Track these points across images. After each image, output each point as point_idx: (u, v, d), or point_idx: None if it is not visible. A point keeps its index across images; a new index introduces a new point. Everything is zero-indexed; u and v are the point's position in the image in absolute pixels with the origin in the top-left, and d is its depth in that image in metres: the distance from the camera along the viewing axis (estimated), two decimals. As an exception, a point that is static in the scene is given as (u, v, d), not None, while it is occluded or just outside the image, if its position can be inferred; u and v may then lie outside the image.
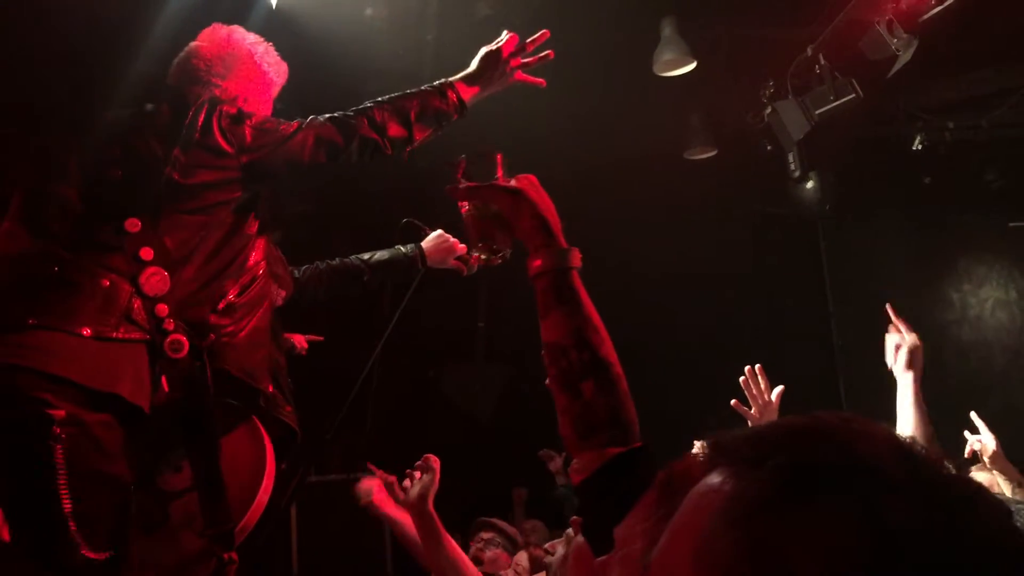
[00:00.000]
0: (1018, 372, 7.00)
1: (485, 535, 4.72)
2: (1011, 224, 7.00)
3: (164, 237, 2.69)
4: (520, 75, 3.17)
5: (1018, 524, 0.78)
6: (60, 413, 2.45)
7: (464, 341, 7.89)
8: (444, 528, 3.13)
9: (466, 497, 6.73)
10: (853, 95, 5.19)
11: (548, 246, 1.65)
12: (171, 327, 2.65)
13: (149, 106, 2.85)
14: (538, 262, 1.64)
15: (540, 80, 3.21)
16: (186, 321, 2.69)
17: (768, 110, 5.70)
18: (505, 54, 3.10)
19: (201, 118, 2.76)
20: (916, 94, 6.18)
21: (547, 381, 1.62)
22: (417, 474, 3.21)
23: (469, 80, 3.10)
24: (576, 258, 1.65)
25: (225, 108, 2.82)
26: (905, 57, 4.73)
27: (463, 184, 1.77)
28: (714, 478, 0.85)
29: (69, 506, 2.42)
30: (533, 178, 1.73)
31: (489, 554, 4.57)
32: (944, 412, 3.25)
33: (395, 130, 2.96)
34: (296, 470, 4.33)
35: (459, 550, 3.13)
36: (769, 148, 5.93)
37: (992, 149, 6.50)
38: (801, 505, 0.78)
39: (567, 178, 6.39)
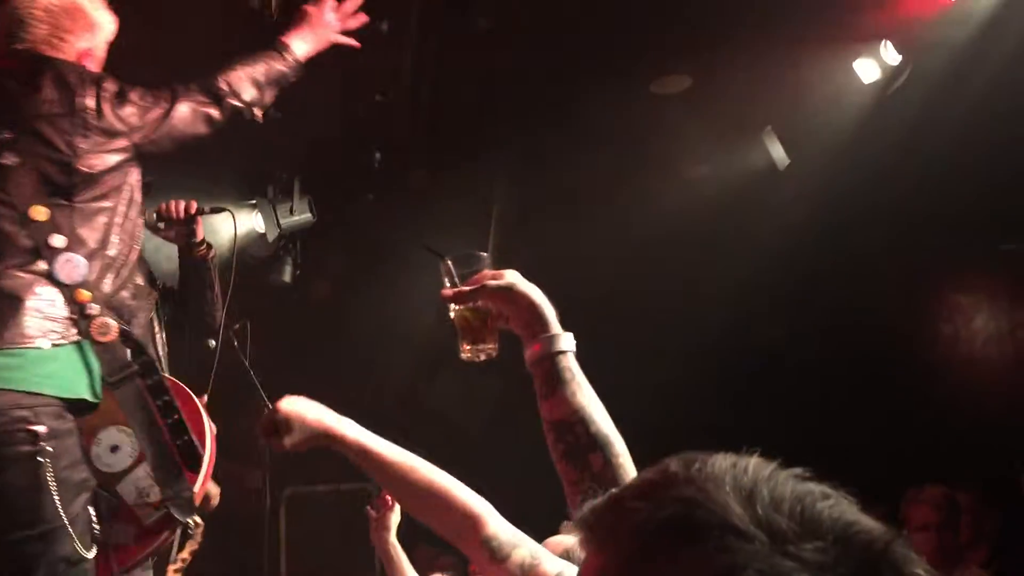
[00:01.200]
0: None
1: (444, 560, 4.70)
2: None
3: (75, 224, 2.68)
4: (337, 37, 3.32)
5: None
6: (43, 429, 2.48)
7: (456, 352, 7.89)
8: (407, 562, 3.30)
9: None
10: None
11: (544, 333, 1.74)
12: (94, 311, 2.64)
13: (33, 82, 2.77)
14: (536, 348, 1.75)
15: (354, 42, 3.38)
16: (110, 305, 2.70)
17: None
18: (323, 11, 3.23)
19: (90, 98, 2.75)
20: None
21: (555, 461, 1.72)
22: (371, 512, 3.37)
23: (299, 39, 3.21)
24: (571, 342, 1.75)
25: (106, 84, 2.80)
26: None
27: (456, 289, 1.87)
28: (586, 557, 0.86)
29: (64, 519, 2.45)
30: (515, 272, 1.82)
31: None
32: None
33: (250, 94, 3.03)
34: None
35: None
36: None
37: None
38: (652, 572, 0.79)
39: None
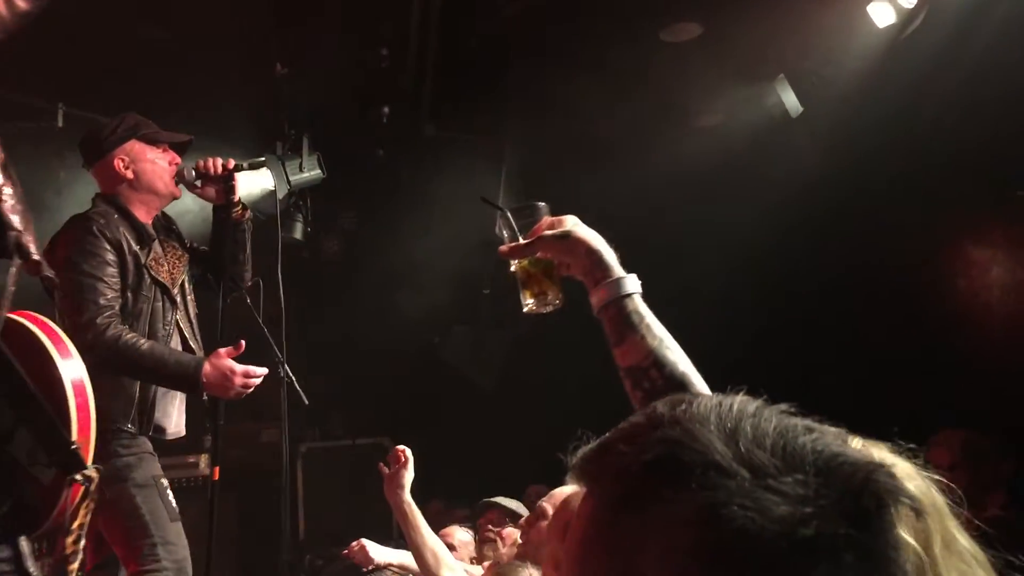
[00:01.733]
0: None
1: (491, 515, 4.73)
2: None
3: None
4: None
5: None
6: None
7: (469, 308, 7.92)
8: (421, 516, 3.34)
9: (469, 464, 6.79)
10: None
11: (607, 279, 1.70)
12: None
13: None
14: (601, 295, 1.69)
15: None
16: None
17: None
18: None
19: None
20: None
21: (635, 405, 1.66)
22: (384, 469, 3.37)
23: None
24: (636, 283, 1.71)
25: None
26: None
27: (514, 244, 1.83)
28: (579, 502, 0.88)
29: None
30: (575, 218, 1.78)
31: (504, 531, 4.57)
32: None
33: None
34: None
35: (435, 538, 3.32)
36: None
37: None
38: (637, 514, 0.80)
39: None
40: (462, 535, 4.54)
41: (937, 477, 1.27)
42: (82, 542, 2.57)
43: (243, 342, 3.47)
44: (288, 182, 6.24)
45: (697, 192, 6.50)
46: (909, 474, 1.31)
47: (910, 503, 0.81)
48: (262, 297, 4.71)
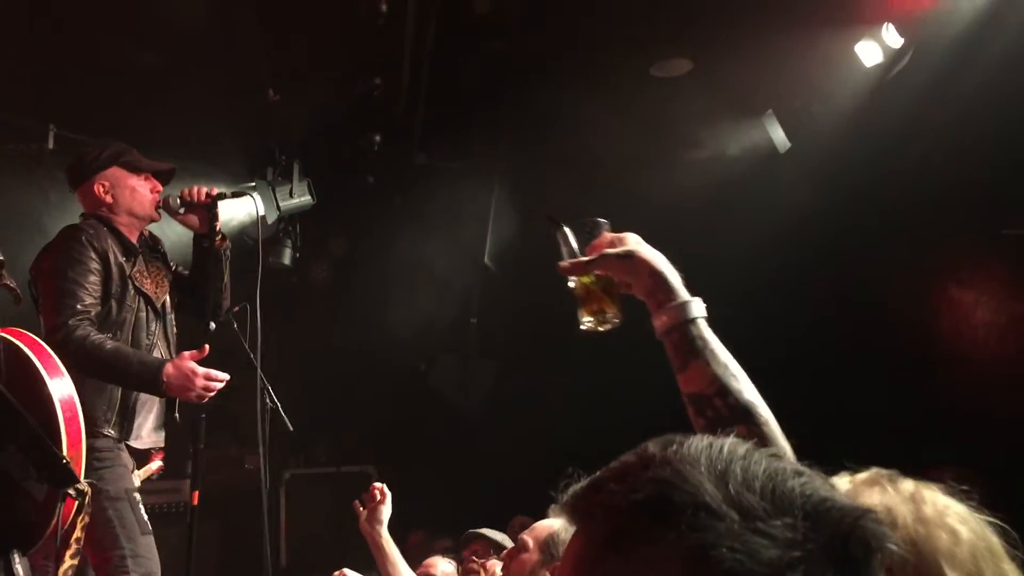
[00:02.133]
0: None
1: (475, 546, 4.70)
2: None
3: None
4: None
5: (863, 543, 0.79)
6: None
7: (456, 336, 7.92)
8: (398, 553, 3.39)
9: (454, 493, 6.76)
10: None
11: (671, 301, 1.64)
12: None
13: None
14: (664, 319, 1.64)
15: None
16: None
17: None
18: None
19: None
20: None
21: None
22: (359, 507, 3.39)
23: None
24: (701, 307, 1.65)
25: None
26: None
27: (574, 261, 1.77)
28: (571, 539, 0.88)
29: None
30: (637, 236, 1.74)
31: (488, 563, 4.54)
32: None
33: None
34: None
35: (408, 571, 3.36)
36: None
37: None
38: (626, 553, 0.80)
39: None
40: (445, 566, 4.50)
41: (992, 519, 1.26)
42: (77, 558, 2.60)
43: (207, 346, 3.49)
44: (278, 208, 6.26)
45: (687, 225, 6.53)
46: (963, 517, 1.30)
47: (897, 550, 0.81)
48: (248, 322, 4.71)
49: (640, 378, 6.81)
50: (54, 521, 2.59)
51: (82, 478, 2.61)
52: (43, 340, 2.97)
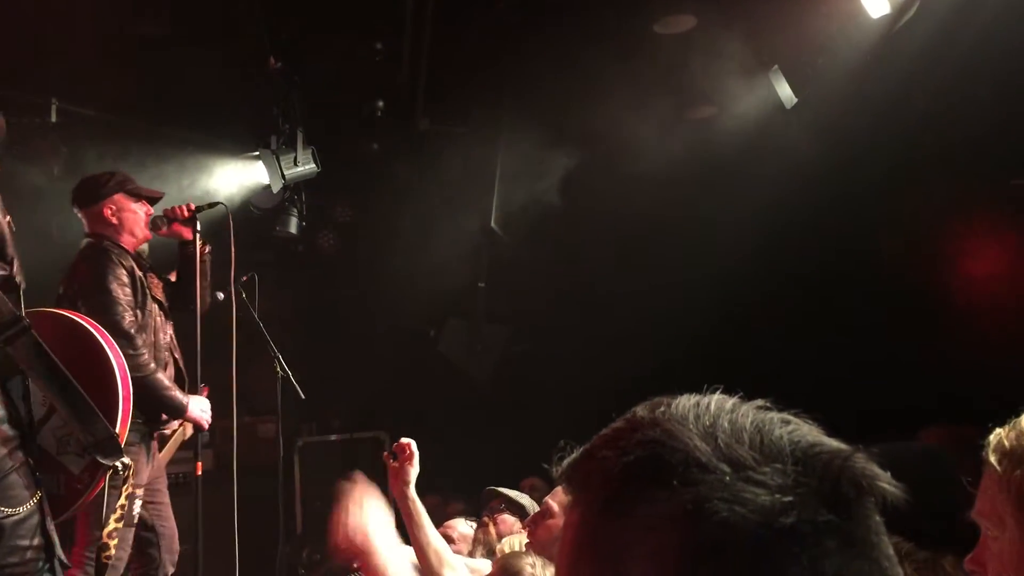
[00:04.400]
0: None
1: (493, 504, 4.72)
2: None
3: None
4: None
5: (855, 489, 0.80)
6: None
7: (465, 300, 7.92)
8: (425, 513, 3.22)
9: (466, 458, 6.79)
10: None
11: None
12: None
13: None
14: None
15: None
16: None
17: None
18: None
19: None
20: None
21: None
22: (389, 460, 3.27)
23: None
24: None
25: None
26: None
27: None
28: (568, 510, 0.89)
29: None
30: None
31: (499, 517, 4.55)
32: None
33: None
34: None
35: (438, 536, 3.23)
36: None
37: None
38: (623, 517, 0.81)
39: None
40: (464, 528, 4.53)
41: None
42: (122, 523, 2.82)
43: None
44: (283, 176, 6.24)
45: (693, 183, 6.50)
46: None
47: (890, 488, 0.82)
48: (257, 293, 4.74)
49: (646, 334, 6.84)
50: (88, 492, 2.77)
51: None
52: None
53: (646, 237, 6.88)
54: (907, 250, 6.12)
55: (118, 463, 2.69)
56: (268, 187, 6.30)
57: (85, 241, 4.36)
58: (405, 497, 3.21)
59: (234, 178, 6.33)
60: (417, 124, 6.60)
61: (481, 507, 4.87)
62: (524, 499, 4.66)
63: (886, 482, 0.81)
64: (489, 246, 7.24)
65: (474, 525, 4.58)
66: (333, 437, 7.28)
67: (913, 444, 2.79)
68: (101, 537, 2.76)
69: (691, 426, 0.82)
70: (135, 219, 4.42)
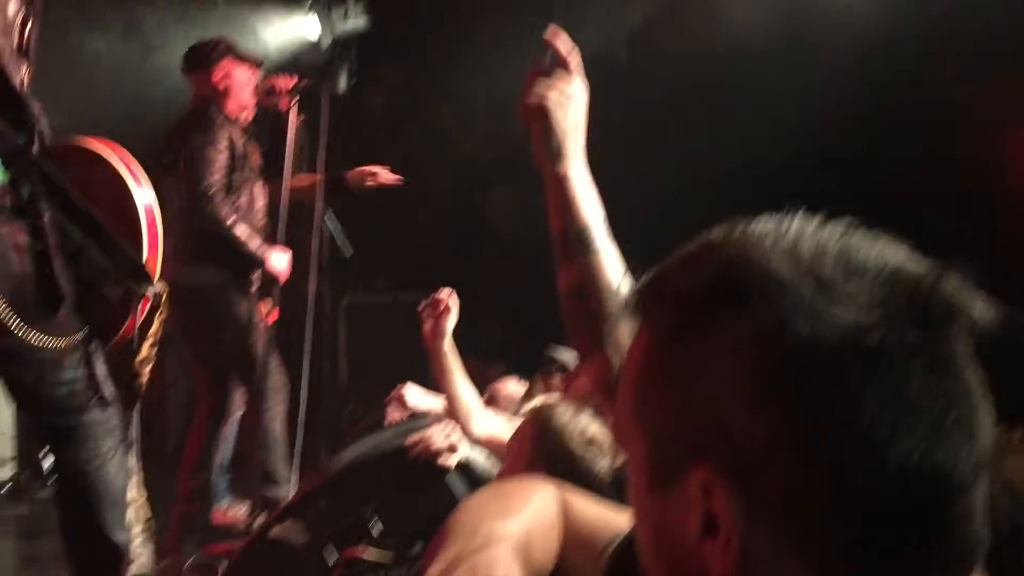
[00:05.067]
0: None
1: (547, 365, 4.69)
2: None
3: None
4: None
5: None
6: None
7: (514, 165, 7.80)
8: (460, 366, 3.24)
9: (506, 319, 6.82)
10: None
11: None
12: None
13: None
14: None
15: None
16: None
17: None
18: None
19: None
20: None
21: None
22: (424, 314, 3.23)
23: None
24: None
25: None
26: None
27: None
28: (636, 335, 0.85)
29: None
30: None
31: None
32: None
33: None
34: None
35: (469, 389, 3.22)
36: None
37: None
38: (695, 338, 0.78)
39: None
40: (513, 387, 4.50)
41: None
42: (155, 349, 2.87)
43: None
44: (332, 32, 6.10)
45: (750, 59, 6.26)
46: None
47: (985, 315, 0.78)
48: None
49: (707, 196, 6.71)
50: (129, 319, 2.82)
51: (156, 280, 2.85)
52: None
53: (702, 110, 6.68)
54: (983, 135, 5.87)
55: (148, 290, 2.75)
56: (317, 43, 6.18)
57: (192, 107, 4.69)
58: (439, 350, 3.24)
59: (285, 30, 6.22)
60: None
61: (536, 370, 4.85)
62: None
63: (980, 305, 0.77)
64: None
65: (522, 385, 4.57)
66: (379, 298, 7.31)
67: None
68: (132, 365, 2.83)
69: (771, 245, 0.78)
70: (242, 84, 4.72)
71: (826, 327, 0.72)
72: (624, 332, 1.47)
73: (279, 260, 4.64)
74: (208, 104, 4.63)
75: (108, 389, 2.83)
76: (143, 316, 2.82)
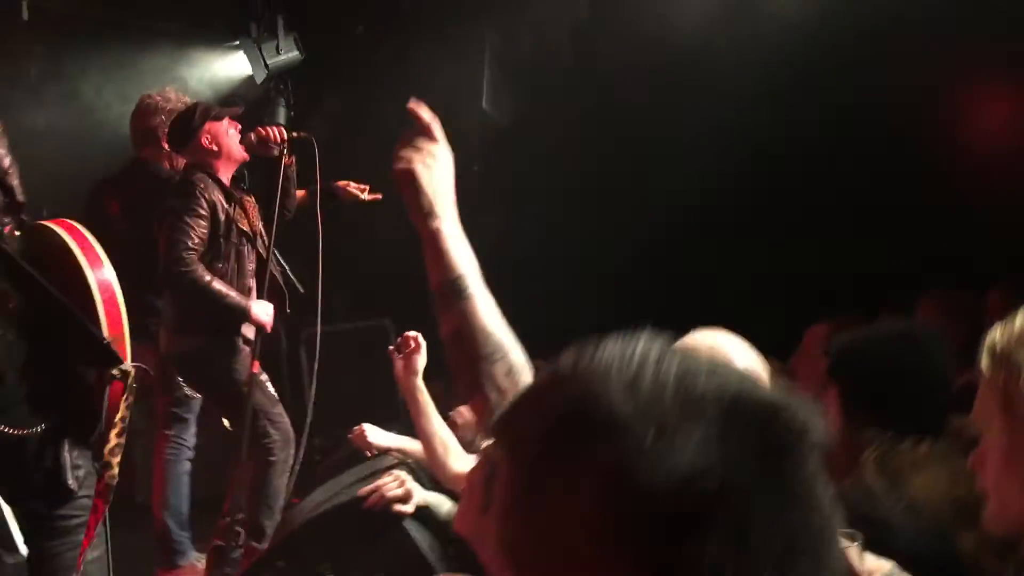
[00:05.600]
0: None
1: None
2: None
3: None
4: None
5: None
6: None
7: (462, 185, 7.79)
8: (433, 405, 3.20)
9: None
10: None
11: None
12: None
13: None
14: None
15: None
16: None
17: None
18: None
19: None
20: None
21: None
22: (395, 354, 3.24)
23: None
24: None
25: None
26: None
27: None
28: (499, 464, 0.87)
29: None
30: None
31: None
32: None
33: None
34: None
35: (444, 427, 3.20)
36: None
37: None
38: (549, 479, 0.80)
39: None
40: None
41: None
42: (123, 436, 2.69)
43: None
44: (266, 66, 6.07)
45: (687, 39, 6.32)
46: None
47: (820, 438, 0.79)
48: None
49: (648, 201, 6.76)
50: (106, 402, 2.69)
51: (127, 360, 2.71)
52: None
53: (644, 98, 6.71)
54: (919, 97, 5.94)
55: (116, 371, 2.64)
56: (251, 77, 6.14)
57: (180, 176, 4.66)
58: (413, 387, 3.20)
59: (217, 70, 6.16)
60: (400, 2, 6.40)
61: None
62: None
63: (815, 438, 0.78)
64: (482, 127, 7.10)
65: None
66: (338, 327, 7.24)
67: (891, 327, 2.75)
68: (103, 456, 2.70)
69: (613, 381, 0.79)
70: (231, 142, 4.69)
71: (666, 475, 0.73)
72: (500, 374, 1.58)
73: (262, 310, 4.59)
74: (193, 171, 4.58)
75: (72, 478, 2.73)
76: (110, 400, 2.71)
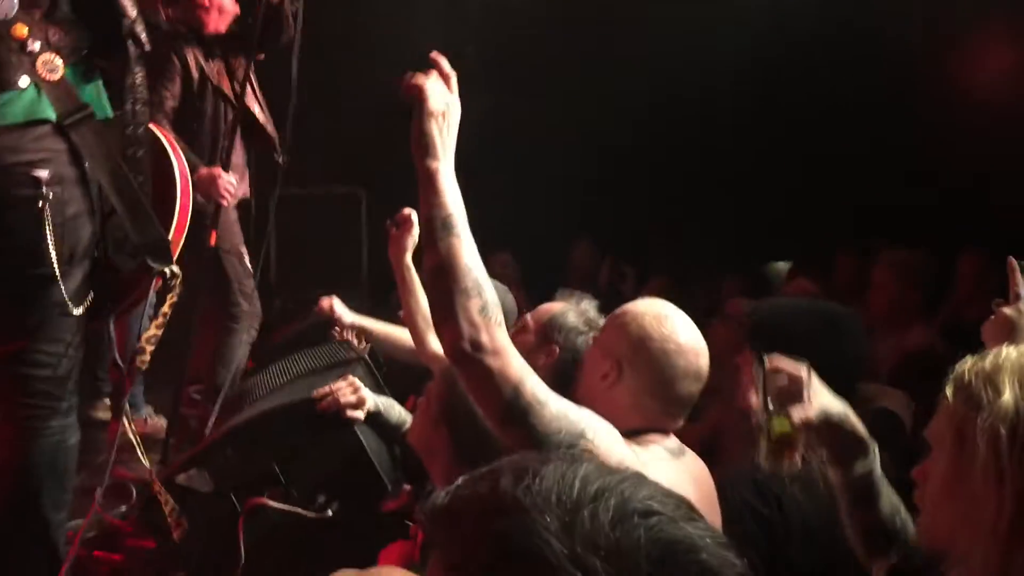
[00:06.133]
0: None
1: None
2: None
3: None
4: None
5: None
6: (44, 174, 2.52)
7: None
8: (420, 283, 3.27)
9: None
10: None
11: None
12: (36, 47, 2.53)
13: None
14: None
15: None
16: (53, 40, 2.58)
17: None
18: None
19: None
20: None
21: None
22: (392, 229, 3.34)
23: None
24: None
25: None
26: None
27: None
28: (431, 555, 0.90)
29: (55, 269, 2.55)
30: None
31: None
32: None
33: None
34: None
35: (426, 303, 3.25)
36: None
37: None
38: None
39: None
40: None
41: None
42: (161, 330, 2.82)
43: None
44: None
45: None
46: None
47: None
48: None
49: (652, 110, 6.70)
50: (135, 294, 2.82)
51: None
52: None
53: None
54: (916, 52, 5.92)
55: (167, 270, 2.70)
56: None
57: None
58: (401, 264, 3.31)
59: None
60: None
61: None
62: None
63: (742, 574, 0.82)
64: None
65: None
66: (309, 191, 7.17)
67: (812, 304, 2.91)
68: (139, 342, 2.78)
69: (549, 518, 0.81)
70: None
71: None
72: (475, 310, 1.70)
73: (210, 173, 4.40)
74: (176, 28, 4.49)
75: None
76: (155, 295, 2.79)
